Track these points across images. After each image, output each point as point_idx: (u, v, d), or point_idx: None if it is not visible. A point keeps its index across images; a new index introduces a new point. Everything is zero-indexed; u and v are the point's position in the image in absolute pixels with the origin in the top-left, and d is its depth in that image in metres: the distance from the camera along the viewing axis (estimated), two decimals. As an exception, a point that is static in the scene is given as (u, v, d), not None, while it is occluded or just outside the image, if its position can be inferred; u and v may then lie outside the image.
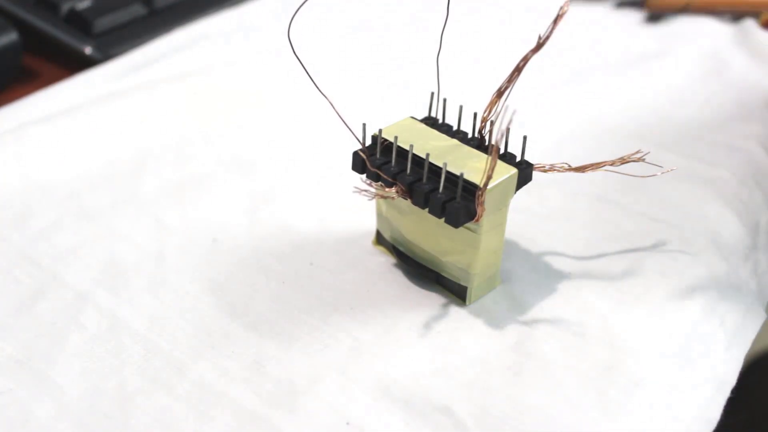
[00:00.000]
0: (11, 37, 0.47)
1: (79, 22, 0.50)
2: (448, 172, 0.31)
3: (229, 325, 0.33)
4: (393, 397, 0.30)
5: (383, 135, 0.32)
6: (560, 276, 0.35)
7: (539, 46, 0.30)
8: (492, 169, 0.30)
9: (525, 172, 0.32)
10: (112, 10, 0.51)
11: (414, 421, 0.29)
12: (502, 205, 0.32)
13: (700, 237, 0.37)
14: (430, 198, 0.31)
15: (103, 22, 0.51)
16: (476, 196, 0.30)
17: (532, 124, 0.46)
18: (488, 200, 0.30)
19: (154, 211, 0.38)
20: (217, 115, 0.45)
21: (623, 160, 0.33)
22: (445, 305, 0.34)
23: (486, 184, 0.30)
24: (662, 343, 0.32)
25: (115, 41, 0.50)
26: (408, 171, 0.32)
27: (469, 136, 0.33)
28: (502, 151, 0.32)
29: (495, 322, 0.33)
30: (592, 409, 0.29)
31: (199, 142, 0.43)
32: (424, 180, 0.31)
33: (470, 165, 0.31)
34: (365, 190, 0.32)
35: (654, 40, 0.54)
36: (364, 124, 0.32)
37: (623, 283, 0.35)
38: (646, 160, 0.33)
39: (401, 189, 0.31)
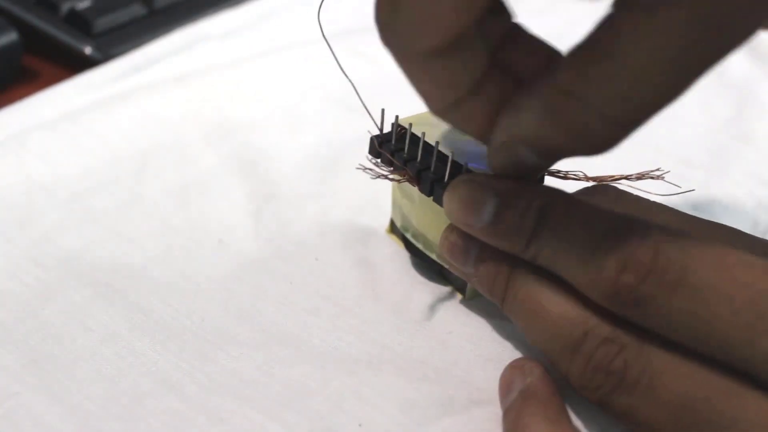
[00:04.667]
0: (11, 37, 0.47)
1: (79, 22, 0.50)
2: (454, 162, 0.31)
3: (237, 327, 0.32)
4: (404, 396, 0.30)
5: (401, 123, 0.33)
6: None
7: None
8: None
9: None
10: (112, 10, 0.51)
11: (426, 421, 0.29)
12: None
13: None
14: (435, 187, 0.31)
15: (103, 22, 0.50)
16: None
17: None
18: None
19: (159, 212, 0.38)
20: (219, 115, 0.45)
21: (641, 176, 0.32)
22: (453, 302, 0.34)
23: None
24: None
25: (115, 41, 0.50)
26: (418, 158, 0.32)
27: None
28: None
29: (498, 322, 0.33)
30: (593, 407, 0.29)
31: (200, 143, 0.43)
32: (432, 168, 0.31)
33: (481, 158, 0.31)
34: (370, 169, 0.32)
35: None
36: (382, 109, 0.32)
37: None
38: (665, 179, 0.33)
39: (409, 176, 0.32)
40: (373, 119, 0.33)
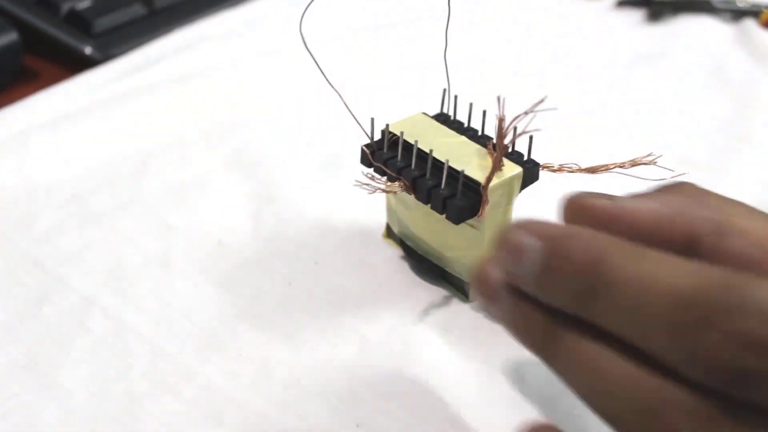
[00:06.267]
0: (11, 37, 0.47)
1: (79, 22, 0.50)
2: (450, 168, 0.31)
3: (236, 327, 0.32)
4: (402, 397, 0.30)
5: (392, 130, 0.33)
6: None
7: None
8: (497, 166, 0.30)
9: (531, 171, 0.32)
10: (112, 10, 0.51)
11: (425, 421, 0.29)
12: (507, 204, 0.32)
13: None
14: (432, 194, 0.31)
15: (103, 22, 0.50)
16: (480, 192, 0.30)
17: (533, 123, 0.46)
18: (491, 197, 0.30)
19: (159, 213, 0.38)
20: (218, 115, 0.45)
21: (634, 163, 0.33)
22: (453, 304, 0.34)
23: (489, 181, 0.30)
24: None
25: (115, 41, 0.50)
26: (413, 166, 0.32)
27: (479, 133, 0.34)
28: (509, 150, 0.32)
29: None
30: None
31: (200, 143, 0.43)
32: (428, 175, 0.31)
33: (475, 162, 0.31)
34: (366, 184, 0.32)
35: (654, 39, 0.54)
36: (372, 118, 0.32)
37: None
38: (657, 164, 0.33)
39: (405, 184, 0.32)
40: (362, 128, 0.33)
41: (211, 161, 0.42)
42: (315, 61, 0.32)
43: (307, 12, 0.32)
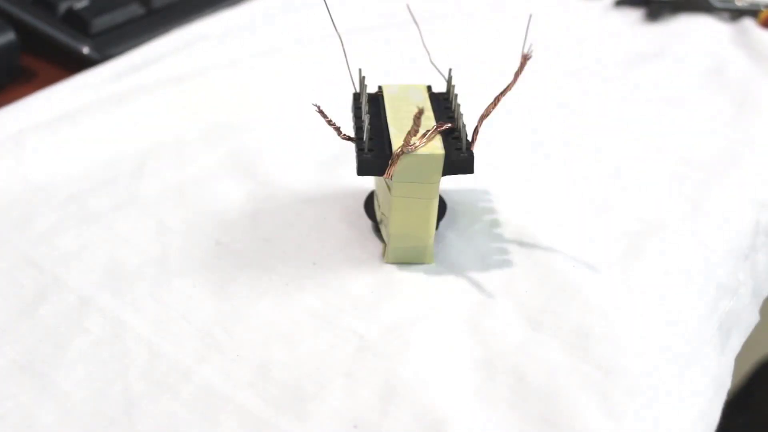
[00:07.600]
0: (9, 36, 0.47)
1: (76, 22, 0.50)
2: (388, 131, 0.33)
3: (234, 328, 0.32)
4: (400, 397, 0.30)
5: (384, 90, 0.36)
6: (564, 276, 0.35)
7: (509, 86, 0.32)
8: (408, 139, 0.32)
9: (460, 159, 0.32)
10: (109, 9, 0.51)
11: (424, 420, 0.29)
12: (421, 180, 0.33)
13: (701, 238, 0.37)
14: (357, 145, 0.33)
15: (100, 22, 0.50)
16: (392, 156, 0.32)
17: (528, 123, 0.46)
18: (400, 166, 0.32)
19: (156, 213, 0.38)
20: (216, 115, 0.45)
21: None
22: (453, 304, 0.34)
23: (400, 148, 0.32)
24: (662, 344, 0.32)
25: (113, 41, 0.50)
26: (365, 129, 0.33)
27: (454, 116, 0.34)
28: (458, 132, 0.33)
29: (500, 323, 0.33)
30: (596, 412, 0.29)
31: (198, 143, 0.43)
32: (367, 135, 0.33)
33: (417, 135, 0.33)
34: (338, 128, 0.34)
35: (653, 39, 0.54)
36: (360, 69, 0.35)
37: (626, 283, 0.35)
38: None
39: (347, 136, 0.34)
40: (352, 78, 0.35)
41: (209, 161, 0.42)
42: (329, 13, 0.33)
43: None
